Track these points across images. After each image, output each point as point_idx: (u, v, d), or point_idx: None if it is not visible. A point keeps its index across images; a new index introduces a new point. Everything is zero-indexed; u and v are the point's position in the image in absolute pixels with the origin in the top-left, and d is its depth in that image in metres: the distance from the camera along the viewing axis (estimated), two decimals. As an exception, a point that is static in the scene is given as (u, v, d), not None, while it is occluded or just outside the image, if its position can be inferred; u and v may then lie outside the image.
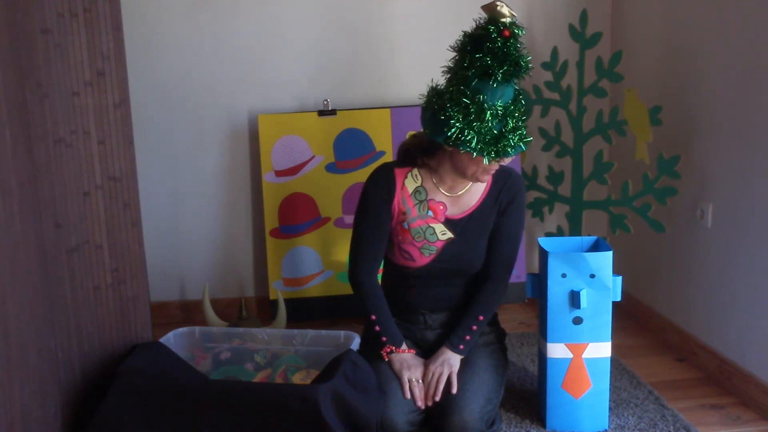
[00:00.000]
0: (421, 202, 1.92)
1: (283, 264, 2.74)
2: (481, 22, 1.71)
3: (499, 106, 1.70)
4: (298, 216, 2.73)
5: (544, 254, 1.90)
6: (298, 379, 1.97)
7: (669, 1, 2.47)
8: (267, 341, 2.09)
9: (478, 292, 1.95)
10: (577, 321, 1.87)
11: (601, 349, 1.88)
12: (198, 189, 2.79)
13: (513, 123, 1.71)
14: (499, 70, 1.66)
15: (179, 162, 2.76)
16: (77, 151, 1.77)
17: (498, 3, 1.67)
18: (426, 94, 1.81)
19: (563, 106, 2.64)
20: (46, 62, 1.66)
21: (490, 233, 1.95)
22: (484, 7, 1.69)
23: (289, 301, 2.66)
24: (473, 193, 1.93)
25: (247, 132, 2.77)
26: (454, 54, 1.76)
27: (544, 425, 1.94)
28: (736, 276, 2.14)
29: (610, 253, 1.86)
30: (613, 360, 2.18)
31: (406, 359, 1.90)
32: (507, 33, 1.66)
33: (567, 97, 2.63)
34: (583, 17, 2.57)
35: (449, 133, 1.70)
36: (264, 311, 2.83)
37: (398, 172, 1.92)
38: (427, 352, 1.95)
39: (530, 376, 2.26)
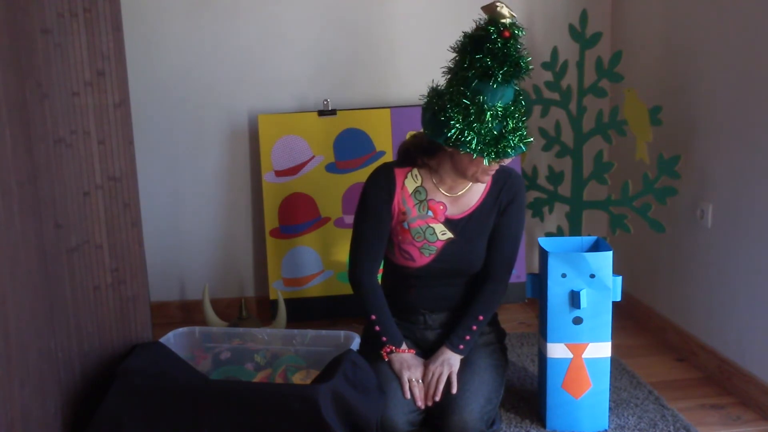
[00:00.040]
0: (421, 202, 1.92)
1: (283, 264, 2.74)
2: (481, 22, 1.71)
3: (499, 106, 1.70)
4: (298, 216, 2.73)
5: (544, 254, 1.90)
6: (298, 379, 1.97)
7: (669, 1, 2.47)
8: (267, 341, 2.09)
9: (478, 292, 1.95)
10: (577, 321, 1.87)
11: (601, 349, 1.88)
12: (198, 189, 2.79)
13: (513, 124, 1.71)
14: (499, 71, 1.66)
15: (179, 162, 2.76)
16: (77, 151, 1.77)
17: (498, 4, 1.67)
18: (426, 94, 1.81)
19: (563, 106, 2.64)
20: (46, 62, 1.66)
21: (490, 233, 1.95)
22: (484, 8, 1.69)
23: (289, 301, 2.66)
24: (473, 193, 1.93)
25: (247, 132, 2.77)
26: (454, 54, 1.76)
27: (544, 425, 1.94)
28: (736, 276, 2.14)
29: (610, 253, 1.86)
30: (613, 360, 2.18)
31: (406, 359, 1.90)
32: (507, 34, 1.66)
33: (567, 97, 2.63)
34: (583, 17, 2.57)
35: (449, 134, 1.70)
36: (264, 311, 2.83)
37: (398, 172, 1.92)
38: (427, 352, 1.95)
39: (530, 376, 2.26)
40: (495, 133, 1.70)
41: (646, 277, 2.69)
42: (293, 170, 2.71)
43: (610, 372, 1.91)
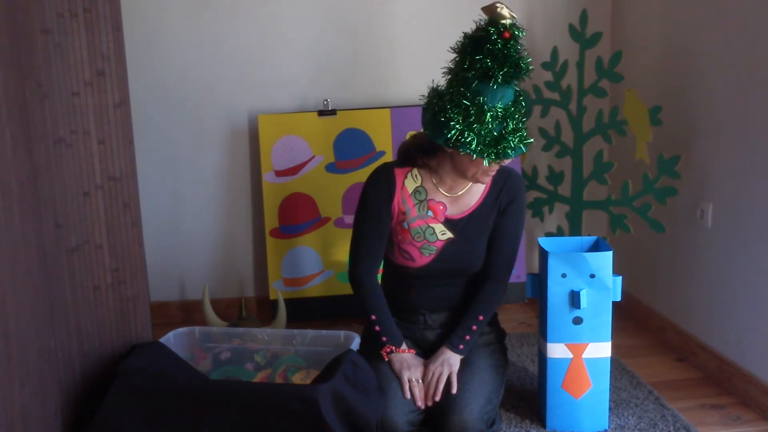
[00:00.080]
0: (420, 202, 1.92)
1: (283, 264, 2.74)
2: (481, 23, 1.71)
3: (499, 107, 1.70)
4: (298, 216, 2.73)
5: (544, 254, 1.90)
6: (298, 379, 1.97)
7: (669, 1, 2.47)
8: (267, 341, 2.09)
9: (478, 292, 1.95)
10: (577, 321, 1.87)
11: (601, 349, 1.88)
12: (198, 189, 2.79)
13: (513, 125, 1.71)
14: (499, 72, 1.66)
15: (179, 162, 2.76)
16: (77, 151, 1.77)
17: (498, 4, 1.67)
18: (426, 94, 1.81)
19: (563, 106, 2.64)
20: (46, 62, 1.66)
21: (490, 233, 1.95)
22: (484, 9, 1.69)
23: (289, 301, 2.66)
24: (473, 193, 1.93)
25: (247, 132, 2.77)
26: (454, 55, 1.76)
27: (544, 425, 1.94)
28: (736, 276, 2.14)
29: (610, 253, 1.86)
30: (613, 360, 2.18)
31: (406, 359, 1.90)
32: (507, 35, 1.66)
33: (567, 97, 2.63)
34: (583, 17, 2.57)
35: (449, 135, 1.70)
36: (264, 311, 2.83)
37: (398, 172, 1.92)
38: (427, 352, 1.95)
39: (530, 376, 2.26)
40: (495, 134, 1.70)
41: (646, 277, 2.69)
42: (293, 170, 2.71)
43: (610, 372, 1.91)
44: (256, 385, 1.85)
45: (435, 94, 1.78)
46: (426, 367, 1.89)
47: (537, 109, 2.72)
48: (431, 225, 1.92)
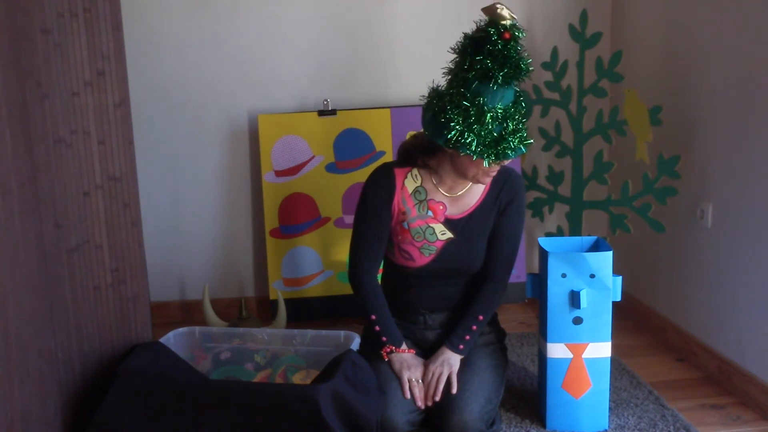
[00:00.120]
0: (420, 202, 1.92)
1: (283, 264, 2.74)
2: (482, 24, 1.71)
3: (499, 108, 1.70)
4: (298, 216, 2.73)
5: (544, 254, 1.90)
6: (298, 379, 1.97)
7: (669, 1, 2.47)
8: (267, 341, 2.09)
9: (478, 292, 1.95)
10: (577, 321, 1.87)
11: (601, 349, 1.88)
12: (198, 189, 2.79)
13: (513, 125, 1.71)
14: (499, 73, 1.66)
15: (179, 162, 2.76)
16: (77, 151, 1.77)
17: (498, 5, 1.67)
18: (426, 95, 1.81)
19: (563, 106, 2.65)
20: (46, 62, 1.66)
21: (489, 233, 1.95)
22: (485, 10, 1.69)
23: (289, 301, 2.67)
24: (473, 193, 1.93)
25: (247, 132, 2.77)
26: (455, 55, 1.76)
27: (544, 425, 1.94)
28: (736, 276, 2.14)
29: (610, 253, 1.86)
30: (613, 360, 2.18)
31: (406, 359, 1.90)
32: (507, 35, 1.66)
33: (567, 97, 2.63)
34: (583, 17, 2.57)
35: (449, 136, 1.69)
36: (264, 311, 2.83)
37: (398, 172, 1.92)
38: (427, 352, 1.95)
39: (530, 376, 2.26)
40: (495, 134, 1.70)
41: (646, 277, 2.69)
42: (293, 170, 2.71)
43: (610, 372, 1.91)
44: (256, 385, 1.85)
45: (435, 94, 1.78)
46: (426, 367, 1.89)
47: (537, 109, 2.72)
48: (431, 225, 1.92)
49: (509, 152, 1.70)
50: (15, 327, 1.45)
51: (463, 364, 1.90)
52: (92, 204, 1.82)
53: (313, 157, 2.71)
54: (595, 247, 2.01)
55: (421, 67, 2.71)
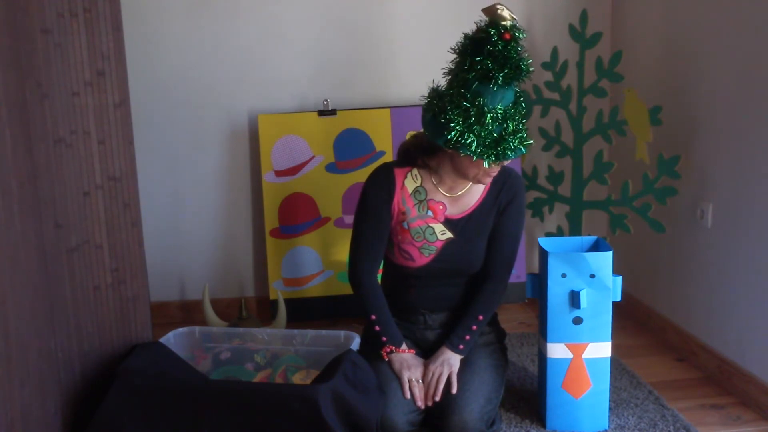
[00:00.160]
0: (420, 202, 1.92)
1: (283, 264, 2.74)
2: (482, 24, 1.71)
3: (500, 109, 1.70)
4: (298, 216, 2.73)
5: (544, 254, 1.90)
6: (298, 379, 1.97)
7: (669, 1, 2.47)
8: (267, 341, 2.09)
9: (478, 292, 1.95)
10: (577, 321, 1.87)
11: (601, 349, 1.88)
12: (198, 189, 2.79)
13: (513, 126, 1.71)
14: (499, 74, 1.66)
15: (179, 162, 2.76)
16: (77, 151, 1.77)
17: (498, 6, 1.67)
18: (427, 95, 1.81)
19: (563, 106, 2.65)
20: (46, 62, 1.66)
21: (489, 233, 1.95)
22: (485, 10, 1.69)
23: (289, 301, 2.66)
24: (473, 193, 1.93)
25: (247, 132, 2.77)
26: (455, 56, 1.75)
27: (544, 425, 1.94)
28: (736, 276, 2.14)
29: (610, 253, 1.86)
30: (613, 360, 2.18)
31: (406, 359, 1.90)
32: (508, 36, 1.65)
33: (567, 97, 2.64)
34: (583, 17, 2.57)
35: (449, 137, 1.69)
36: (264, 311, 2.83)
37: (398, 172, 1.92)
38: (427, 352, 1.95)
39: (530, 376, 2.26)
40: (495, 135, 1.70)
41: (646, 277, 2.69)
42: (293, 170, 2.71)
43: (610, 372, 1.91)
44: (256, 385, 1.85)
45: (435, 94, 1.78)
46: (426, 367, 1.89)
47: (537, 109, 2.72)
48: (431, 225, 1.92)
49: (509, 153, 1.70)
50: (15, 327, 1.45)
51: (463, 364, 1.90)
52: (92, 204, 1.82)
53: (313, 157, 2.71)
54: (595, 247, 2.01)
55: (421, 67, 2.71)
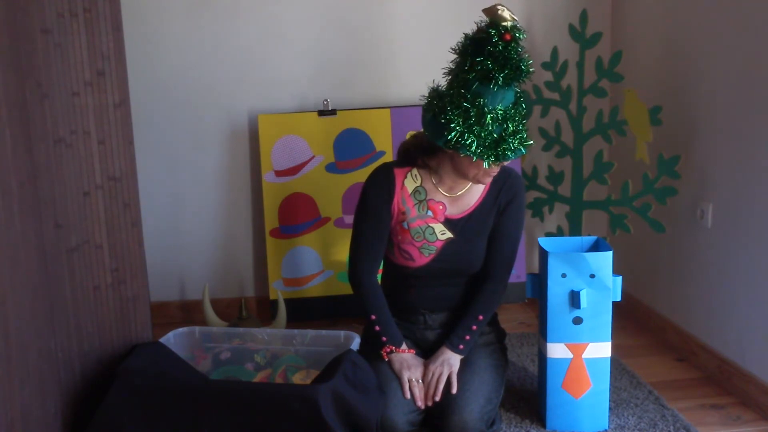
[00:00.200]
0: (420, 202, 1.92)
1: (283, 264, 2.74)
2: (482, 25, 1.71)
3: (500, 109, 1.70)
4: (298, 216, 2.73)
5: (544, 254, 1.90)
6: (298, 379, 1.97)
7: (669, 1, 2.47)
8: (267, 341, 2.09)
9: (478, 292, 1.95)
10: (577, 321, 1.87)
11: (601, 349, 1.88)
12: (198, 189, 2.79)
13: (513, 126, 1.71)
14: (499, 74, 1.66)
15: (179, 162, 2.76)
16: (77, 151, 1.77)
17: (499, 7, 1.67)
18: (427, 95, 1.81)
19: (563, 106, 2.65)
20: (46, 62, 1.66)
21: (489, 233, 1.95)
22: (485, 11, 1.69)
23: (289, 301, 2.67)
24: (473, 193, 1.93)
25: (247, 132, 2.77)
26: (455, 56, 1.75)
27: (544, 425, 1.94)
28: (736, 276, 2.14)
29: (610, 253, 1.86)
30: (613, 360, 2.18)
31: (406, 359, 1.90)
32: (508, 37, 1.65)
33: (567, 97, 2.63)
34: (583, 17, 2.57)
35: (449, 137, 1.69)
36: (264, 311, 2.83)
37: (398, 172, 1.92)
38: (427, 352, 1.95)
39: (530, 376, 2.26)
40: (495, 136, 1.70)
41: (646, 277, 2.69)
42: (293, 170, 2.71)
43: (610, 372, 1.91)
44: (256, 385, 1.85)
45: (435, 95, 1.78)
46: (426, 367, 1.89)
47: (537, 109, 2.72)
48: (431, 225, 1.92)
49: (509, 153, 1.70)
50: (15, 327, 1.45)
51: (463, 364, 1.90)
52: (92, 204, 1.82)
53: (313, 157, 2.71)
54: (595, 247, 2.01)
55: (421, 67, 2.71)
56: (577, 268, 1.85)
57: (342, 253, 2.66)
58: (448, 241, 1.92)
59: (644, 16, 2.64)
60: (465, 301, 1.96)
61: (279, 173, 2.71)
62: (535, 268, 2.63)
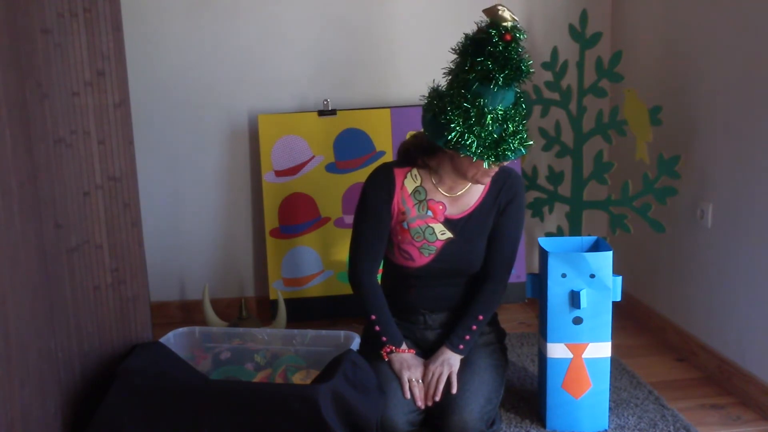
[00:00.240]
0: (420, 202, 1.92)
1: (283, 264, 2.74)
2: (483, 25, 1.71)
3: (500, 110, 1.70)
4: (298, 216, 2.73)
5: (544, 254, 1.90)
6: (298, 379, 1.97)
7: (669, 1, 2.47)
8: (267, 341, 2.09)
9: (478, 292, 1.95)
10: (577, 321, 1.87)
11: (601, 349, 1.88)
12: (198, 189, 2.79)
13: (513, 127, 1.71)
14: (499, 75, 1.66)
15: (179, 162, 2.76)
16: (77, 151, 1.77)
17: (499, 7, 1.67)
18: (427, 95, 1.81)
19: (563, 106, 2.65)
20: (46, 62, 1.66)
21: (489, 233, 1.95)
22: (486, 11, 1.69)
23: (289, 301, 2.66)
24: (472, 193, 1.93)
25: (247, 132, 2.77)
26: (455, 56, 1.75)
27: (544, 425, 1.94)
28: (736, 276, 2.14)
29: (610, 253, 1.86)
30: (613, 360, 2.18)
31: (406, 359, 1.90)
32: (508, 37, 1.65)
33: (567, 97, 2.63)
34: (583, 17, 2.57)
35: (449, 137, 1.70)
36: (264, 311, 2.83)
37: (398, 172, 1.92)
38: (427, 352, 1.95)
39: (530, 376, 2.26)
40: (495, 136, 1.70)
41: (646, 277, 2.69)
42: (293, 170, 2.71)
43: (610, 372, 1.91)
44: (256, 385, 1.85)
45: (435, 95, 1.78)
46: (426, 367, 1.89)
47: (537, 109, 2.72)
48: (431, 225, 1.92)
49: (509, 154, 1.70)
50: (15, 327, 1.45)
51: (463, 364, 1.90)
52: (92, 204, 1.82)
53: (313, 157, 2.71)
54: (595, 247, 2.01)
55: (421, 67, 2.71)
56: (577, 268, 1.85)
57: (342, 253, 2.66)
58: (448, 241, 1.92)
59: (644, 16, 2.64)
60: (465, 301, 1.96)
61: (279, 173, 2.71)
62: (535, 268, 2.63)
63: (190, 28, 2.67)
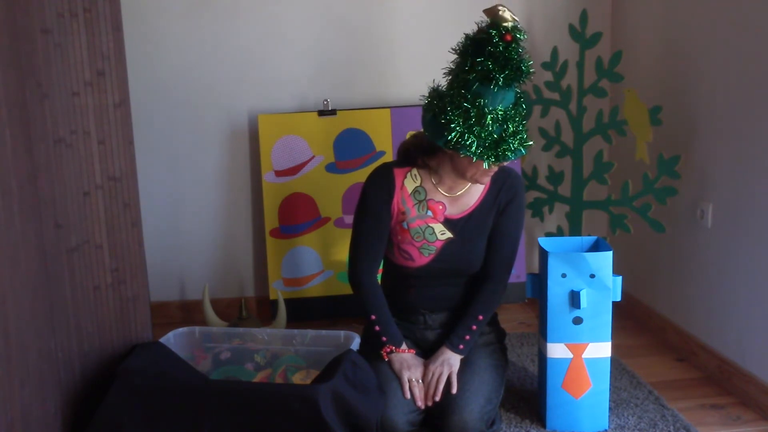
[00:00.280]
0: (420, 202, 1.92)
1: (283, 264, 2.74)
2: (483, 25, 1.71)
3: (500, 110, 1.70)
4: (298, 216, 2.73)
5: (544, 254, 1.90)
6: (298, 379, 1.97)
7: (669, 1, 2.47)
8: (267, 341, 2.09)
9: (478, 292, 1.95)
10: (577, 321, 1.87)
11: (601, 349, 1.88)
12: (198, 189, 2.79)
13: (513, 127, 1.71)
14: (500, 75, 1.66)
15: (179, 162, 2.76)
16: (77, 151, 1.77)
17: (500, 7, 1.67)
18: (427, 95, 1.81)
19: (563, 106, 2.65)
20: (46, 62, 1.66)
21: (489, 233, 1.95)
22: (486, 11, 1.69)
23: (289, 301, 2.67)
24: (472, 193, 1.93)
25: (247, 132, 2.77)
26: (455, 56, 1.75)
27: (544, 425, 1.94)
28: (736, 276, 2.14)
29: (610, 253, 1.86)
30: (613, 360, 2.18)
31: (406, 359, 1.90)
32: (509, 37, 1.65)
33: (567, 97, 2.64)
34: (583, 17, 2.57)
35: (449, 137, 1.70)
36: (264, 311, 2.83)
37: (397, 172, 1.92)
38: (427, 352, 1.95)
39: (530, 376, 2.26)
40: (495, 136, 1.70)
41: (646, 277, 2.69)
42: (293, 170, 2.71)
43: (610, 372, 1.91)
44: (256, 385, 1.85)
45: (435, 95, 1.78)
46: (426, 367, 1.89)
47: (537, 109, 2.72)
48: (431, 225, 1.92)
49: (509, 154, 1.70)
50: (15, 327, 1.45)
51: (463, 364, 1.90)
52: (92, 204, 1.82)
53: (313, 157, 2.71)
54: (595, 247, 2.01)
55: (421, 67, 2.71)
56: (577, 268, 1.85)
57: (342, 253, 2.66)
58: (448, 241, 1.92)
59: (644, 16, 2.64)
60: (465, 301, 1.96)
61: (279, 173, 2.71)
62: (535, 268, 2.63)
63: (190, 28, 2.67)
